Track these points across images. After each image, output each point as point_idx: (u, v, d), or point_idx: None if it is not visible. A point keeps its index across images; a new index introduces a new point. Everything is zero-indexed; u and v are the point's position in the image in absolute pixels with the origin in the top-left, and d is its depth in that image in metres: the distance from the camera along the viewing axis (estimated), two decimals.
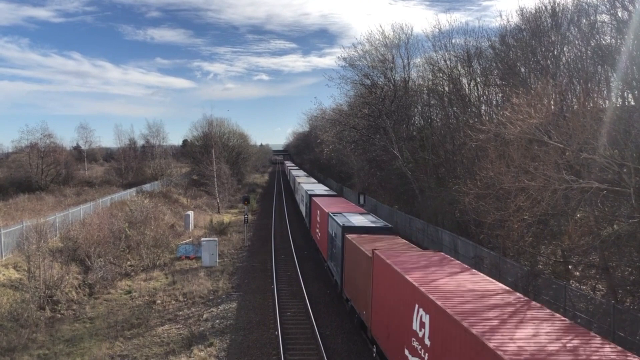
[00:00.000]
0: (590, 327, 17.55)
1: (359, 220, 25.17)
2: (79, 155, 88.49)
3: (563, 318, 10.02)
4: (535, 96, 18.88)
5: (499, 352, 8.06)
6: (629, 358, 8.12)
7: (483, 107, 34.50)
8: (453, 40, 37.64)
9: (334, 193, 44.96)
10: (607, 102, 20.85)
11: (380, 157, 46.51)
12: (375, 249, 17.03)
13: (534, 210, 17.94)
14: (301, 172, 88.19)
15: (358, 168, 55.46)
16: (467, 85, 36.00)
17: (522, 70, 28.98)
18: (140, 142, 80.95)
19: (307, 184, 53.33)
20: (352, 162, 56.58)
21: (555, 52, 26.94)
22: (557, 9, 27.33)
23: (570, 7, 26.85)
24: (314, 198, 36.79)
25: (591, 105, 18.03)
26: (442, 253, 17.07)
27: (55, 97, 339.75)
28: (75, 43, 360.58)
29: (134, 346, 18.72)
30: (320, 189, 47.49)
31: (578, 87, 23.70)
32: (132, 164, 71.70)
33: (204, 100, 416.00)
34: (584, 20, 25.10)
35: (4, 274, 22.83)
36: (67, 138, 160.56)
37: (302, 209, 47.99)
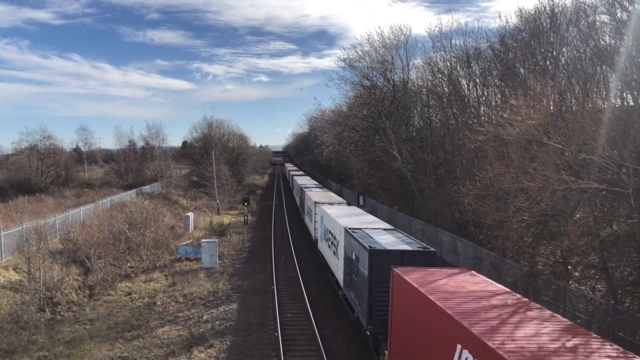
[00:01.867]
0: (590, 327, 17.59)
1: None
2: (79, 156, 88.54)
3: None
4: (534, 97, 18.92)
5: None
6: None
7: (482, 108, 34.56)
8: (452, 41, 37.75)
9: (429, 249, 17.96)
10: (606, 102, 20.88)
11: (379, 158, 46.56)
12: None
13: (533, 211, 17.97)
14: (311, 181, 60.80)
15: (358, 169, 55.50)
16: (466, 86, 36.05)
17: (521, 71, 29.02)
18: (140, 144, 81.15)
19: (340, 211, 28.13)
20: (351, 163, 56.60)
21: (554, 53, 26.98)
22: (556, 10, 27.39)
23: (569, 8, 26.91)
24: (408, 279, 13.15)
25: (590, 105, 18.07)
26: None
27: (55, 99, 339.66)
28: (75, 45, 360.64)
29: (134, 348, 18.72)
30: (379, 227, 22.15)
31: (577, 88, 23.73)
32: (131, 165, 71.74)
33: (204, 102, 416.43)
34: (583, 21, 25.14)
35: (4, 276, 22.83)
36: (66, 140, 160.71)
37: (336, 268, 24.13)
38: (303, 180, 61.79)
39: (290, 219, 52.93)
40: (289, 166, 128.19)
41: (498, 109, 29.22)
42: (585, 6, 24.29)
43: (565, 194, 17.41)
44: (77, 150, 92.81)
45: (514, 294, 12.16)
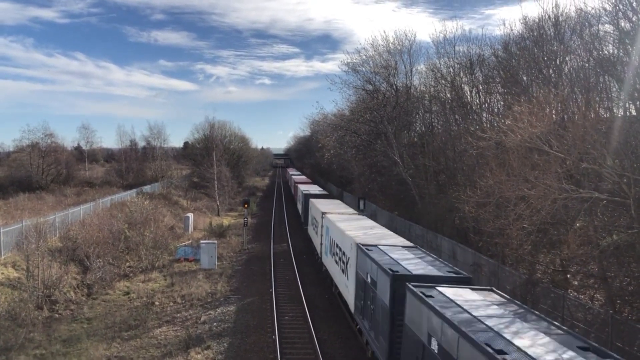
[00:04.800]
0: (588, 336, 17.54)
1: None
2: (80, 155, 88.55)
3: None
4: (536, 105, 18.91)
5: None
6: None
7: (484, 115, 34.52)
8: (456, 48, 37.73)
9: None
10: (608, 112, 20.88)
11: (380, 162, 46.52)
12: None
13: (534, 219, 17.93)
14: (361, 220, 27.24)
15: (359, 173, 55.47)
16: (469, 92, 36.03)
17: (524, 78, 29.01)
18: (141, 144, 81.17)
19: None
20: (352, 167, 56.58)
21: (558, 62, 26.97)
22: (560, 19, 27.39)
23: (573, 17, 26.90)
24: None
25: (592, 115, 18.07)
26: None
27: (59, 97, 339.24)
28: (80, 44, 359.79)
29: (131, 347, 18.70)
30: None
31: (580, 97, 23.72)
32: (132, 165, 71.80)
33: (206, 103, 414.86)
34: (587, 30, 25.13)
35: (2, 273, 22.83)
36: (68, 138, 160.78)
37: None
38: (338, 216, 27.99)
39: (290, 221, 52.91)
40: (295, 175, 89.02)
41: (500, 116, 29.21)
42: (589, 16, 24.31)
43: (566, 202, 17.38)
44: (78, 148, 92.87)
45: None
